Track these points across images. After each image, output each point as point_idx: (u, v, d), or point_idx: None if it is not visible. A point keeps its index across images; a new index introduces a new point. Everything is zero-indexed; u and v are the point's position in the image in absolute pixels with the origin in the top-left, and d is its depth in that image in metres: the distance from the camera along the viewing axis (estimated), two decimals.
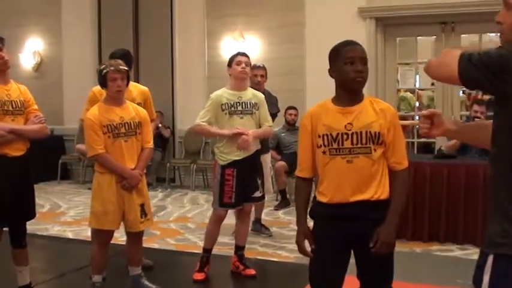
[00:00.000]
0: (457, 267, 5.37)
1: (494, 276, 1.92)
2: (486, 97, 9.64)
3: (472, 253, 5.75)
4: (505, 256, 1.89)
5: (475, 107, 6.82)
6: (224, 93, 5.08)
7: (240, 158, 5.03)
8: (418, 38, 9.35)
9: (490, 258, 1.93)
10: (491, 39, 10.81)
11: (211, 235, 5.18)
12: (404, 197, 3.02)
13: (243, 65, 5.07)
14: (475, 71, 1.89)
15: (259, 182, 5.24)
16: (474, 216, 5.97)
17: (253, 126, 5.11)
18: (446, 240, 6.14)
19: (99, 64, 5.43)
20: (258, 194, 5.25)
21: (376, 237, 2.85)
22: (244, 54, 5.20)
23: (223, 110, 5.03)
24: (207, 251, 5.18)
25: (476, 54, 1.91)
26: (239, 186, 5.04)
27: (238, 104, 5.05)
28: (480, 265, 1.98)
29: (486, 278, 1.94)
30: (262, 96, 5.33)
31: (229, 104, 5.02)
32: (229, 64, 5.15)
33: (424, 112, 2.23)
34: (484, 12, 8.24)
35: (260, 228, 6.72)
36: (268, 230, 6.71)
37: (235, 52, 5.36)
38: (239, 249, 5.31)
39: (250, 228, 6.58)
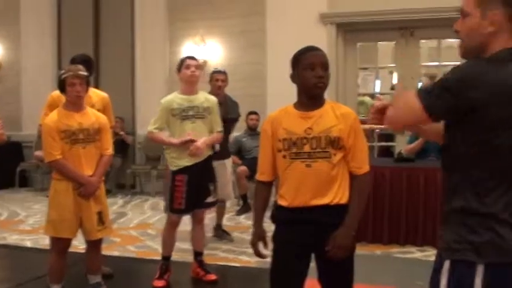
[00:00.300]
0: (417, 269, 5.42)
1: (450, 280, 1.96)
2: None
3: (432, 255, 5.80)
4: (461, 261, 1.95)
5: None
6: (175, 98, 5.04)
7: (190, 163, 5.00)
8: (378, 43, 9.47)
9: (447, 263, 1.98)
10: (450, 45, 11.01)
11: (168, 242, 5.14)
12: (363, 201, 3.02)
13: (193, 68, 5.02)
14: (439, 101, 1.93)
15: (211, 187, 5.21)
16: (433, 219, 6.04)
17: (205, 130, 5.09)
18: (406, 242, 6.21)
19: (59, 69, 5.36)
20: (210, 199, 5.21)
21: (332, 241, 2.85)
22: (192, 58, 5.17)
23: (174, 115, 4.99)
24: (166, 258, 5.14)
25: (432, 85, 1.96)
26: (190, 192, 4.98)
27: (189, 109, 5.01)
28: (437, 269, 2.03)
29: (443, 282, 1.98)
30: (215, 100, 5.30)
31: (180, 109, 4.98)
32: (179, 69, 5.11)
33: (377, 103, 2.21)
34: (443, 18, 8.37)
35: (221, 233, 6.70)
36: (229, 236, 6.69)
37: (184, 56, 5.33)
38: (198, 255, 5.28)
39: (212, 234, 6.58)
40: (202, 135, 5.05)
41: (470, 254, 1.92)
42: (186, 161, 5.00)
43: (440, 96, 1.93)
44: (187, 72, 5.02)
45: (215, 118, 5.22)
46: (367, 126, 3.89)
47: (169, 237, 5.13)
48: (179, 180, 4.98)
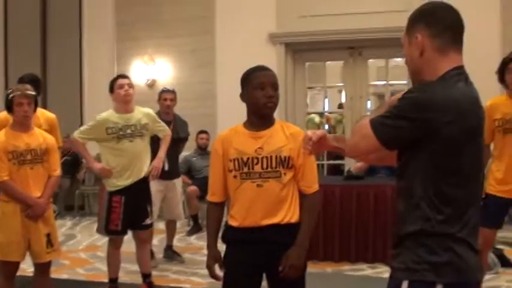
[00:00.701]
0: (368, 286, 5.49)
1: None
2: None
3: (383, 271, 5.88)
4: (420, 281, 1.97)
5: None
6: (111, 117, 4.98)
7: (128, 183, 4.96)
8: (327, 62, 9.58)
9: (405, 283, 2.00)
10: (397, 64, 11.23)
11: (112, 263, 5.09)
12: (313, 220, 3.04)
13: (126, 87, 4.99)
14: (392, 129, 1.98)
15: (148, 209, 5.16)
16: (384, 236, 6.11)
17: (144, 148, 5.07)
18: (357, 259, 6.26)
19: (6, 89, 5.27)
20: (148, 221, 5.16)
21: (284, 261, 2.85)
22: (124, 76, 5.16)
23: (109, 134, 4.93)
24: (113, 280, 5.08)
25: (383, 115, 2.01)
26: (126, 213, 4.94)
27: (126, 127, 4.96)
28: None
29: None
30: (151, 111, 5.30)
31: (116, 128, 4.93)
32: (111, 90, 5.06)
33: (314, 138, 2.23)
34: (391, 38, 8.52)
35: (172, 254, 6.63)
36: (180, 257, 6.62)
37: (115, 76, 5.32)
38: (146, 276, 5.22)
39: (162, 255, 6.51)
40: (142, 153, 5.05)
41: (430, 274, 1.95)
42: (124, 181, 4.95)
43: (396, 126, 1.97)
44: (121, 92, 4.98)
45: (157, 126, 5.26)
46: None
47: (113, 258, 5.07)
48: (116, 201, 4.92)
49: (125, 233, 5.06)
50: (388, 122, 1.98)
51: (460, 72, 2.04)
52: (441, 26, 2.05)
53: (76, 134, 5.05)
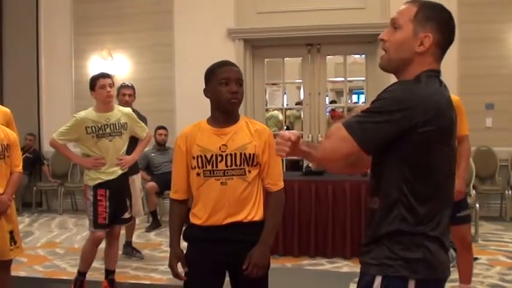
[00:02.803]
0: (328, 280, 5.55)
1: None
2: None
3: (342, 266, 5.97)
4: (394, 277, 2.02)
5: None
6: (90, 116, 4.96)
7: (110, 178, 4.98)
8: (286, 59, 9.61)
9: (379, 279, 2.04)
10: (355, 61, 11.35)
11: (88, 258, 5.05)
12: (278, 218, 3.04)
13: (108, 88, 4.96)
14: (372, 126, 1.97)
15: (128, 203, 5.18)
16: (343, 231, 6.20)
17: (122, 146, 5.09)
18: (316, 254, 6.32)
19: None
20: (126, 215, 5.19)
21: (248, 260, 2.84)
22: (106, 76, 5.08)
23: (88, 133, 4.91)
24: (82, 274, 5.04)
25: (359, 116, 2.00)
26: (111, 206, 4.96)
27: (106, 127, 4.96)
28: (365, 285, 2.08)
29: None
30: (130, 110, 5.31)
31: (96, 127, 4.92)
32: (92, 88, 5.02)
33: (293, 138, 2.09)
34: (349, 35, 8.67)
35: (131, 251, 6.59)
36: (139, 253, 6.59)
37: (96, 73, 5.24)
38: (109, 273, 5.20)
39: (121, 252, 6.46)
40: (121, 152, 5.08)
41: (403, 270, 2.00)
42: (106, 175, 4.97)
43: (377, 122, 1.96)
44: (103, 93, 4.95)
45: (136, 126, 5.27)
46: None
47: (90, 253, 5.05)
48: (101, 195, 4.94)
49: (111, 226, 5.06)
50: (366, 119, 1.97)
51: (436, 75, 2.10)
52: (448, 39, 2.11)
53: (55, 136, 5.00)
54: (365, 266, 2.12)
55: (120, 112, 5.11)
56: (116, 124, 5.01)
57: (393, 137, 1.97)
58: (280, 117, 10.72)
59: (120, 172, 5.08)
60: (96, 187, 4.95)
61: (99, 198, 4.93)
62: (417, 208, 2.01)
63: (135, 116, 5.30)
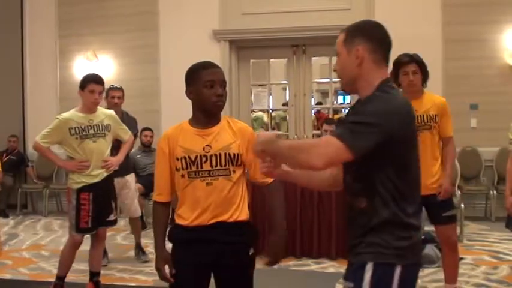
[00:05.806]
0: (314, 281, 5.55)
1: (373, 281, 2.18)
2: (336, 116, 10.11)
3: (328, 266, 5.98)
4: (383, 264, 2.19)
5: (325, 126, 7.08)
6: (73, 117, 4.94)
7: (95, 180, 4.95)
8: (271, 60, 9.62)
9: (369, 265, 2.20)
10: None
11: (66, 262, 5.02)
12: (283, 205, 3.06)
13: (96, 95, 4.94)
14: (364, 136, 2.10)
15: (113, 205, 5.16)
16: (328, 231, 6.21)
17: (106, 148, 5.06)
18: (302, 255, 6.32)
19: None
20: (112, 217, 5.16)
21: (268, 250, 2.96)
22: (99, 82, 5.01)
23: (72, 135, 4.89)
24: (61, 278, 5.02)
25: (349, 124, 2.14)
26: (95, 210, 4.93)
27: (89, 128, 4.94)
28: (358, 271, 2.22)
29: (367, 275, 2.19)
30: (113, 112, 5.29)
31: (79, 128, 4.90)
32: (82, 87, 4.98)
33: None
34: (334, 36, 8.59)
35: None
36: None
37: (88, 74, 5.22)
38: (94, 275, 5.17)
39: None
40: (105, 153, 5.04)
41: (394, 257, 2.19)
42: (90, 178, 4.94)
43: (368, 132, 2.10)
44: (90, 98, 4.93)
45: (119, 129, 5.26)
46: None
47: (69, 257, 5.02)
48: (84, 199, 4.90)
49: (94, 229, 5.03)
50: (358, 129, 2.11)
51: (391, 85, 2.32)
52: (378, 43, 2.30)
53: (38, 139, 4.96)
54: (357, 257, 2.25)
55: (103, 114, 5.09)
56: (99, 125, 4.99)
57: (378, 144, 2.11)
58: (265, 119, 10.72)
59: (105, 174, 5.05)
60: (80, 191, 4.92)
61: (82, 202, 4.89)
62: (403, 203, 2.21)
63: (117, 118, 5.28)
